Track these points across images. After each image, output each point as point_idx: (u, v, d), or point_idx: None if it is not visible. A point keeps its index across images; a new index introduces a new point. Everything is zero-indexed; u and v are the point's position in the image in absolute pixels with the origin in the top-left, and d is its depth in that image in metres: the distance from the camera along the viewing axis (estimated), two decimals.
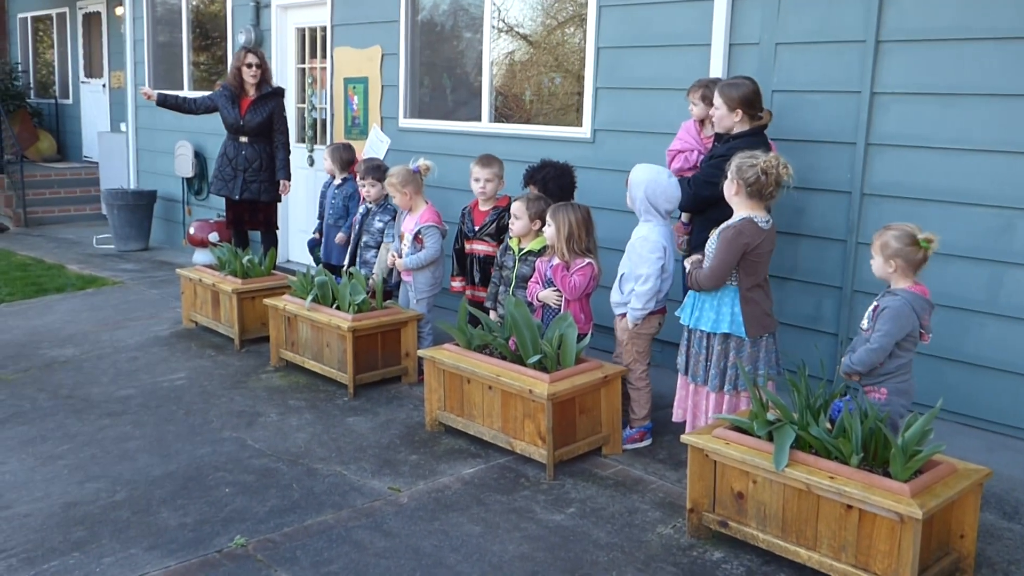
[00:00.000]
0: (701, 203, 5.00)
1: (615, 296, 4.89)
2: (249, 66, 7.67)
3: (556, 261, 5.08)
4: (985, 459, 4.20)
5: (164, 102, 7.88)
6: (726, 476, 3.85)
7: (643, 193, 4.76)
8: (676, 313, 4.65)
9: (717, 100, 4.92)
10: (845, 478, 3.48)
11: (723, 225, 4.37)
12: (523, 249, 5.41)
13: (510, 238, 5.50)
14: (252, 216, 8.01)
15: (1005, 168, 4.73)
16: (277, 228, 8.24)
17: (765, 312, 4.39)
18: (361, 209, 6.72)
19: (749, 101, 4.86)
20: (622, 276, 4.84)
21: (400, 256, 6.08)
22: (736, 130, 4.92)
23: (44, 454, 4.82)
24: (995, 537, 4.02)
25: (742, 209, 4.33)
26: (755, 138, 4.85)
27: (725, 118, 4.91)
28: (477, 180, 5.89)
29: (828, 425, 3.70)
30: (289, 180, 7.90)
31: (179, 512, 4.17)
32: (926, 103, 4.98)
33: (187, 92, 10.58)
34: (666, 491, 4.44)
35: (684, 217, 5.42)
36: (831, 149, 5.32)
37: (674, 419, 4.71)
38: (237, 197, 7.80)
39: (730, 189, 4.36)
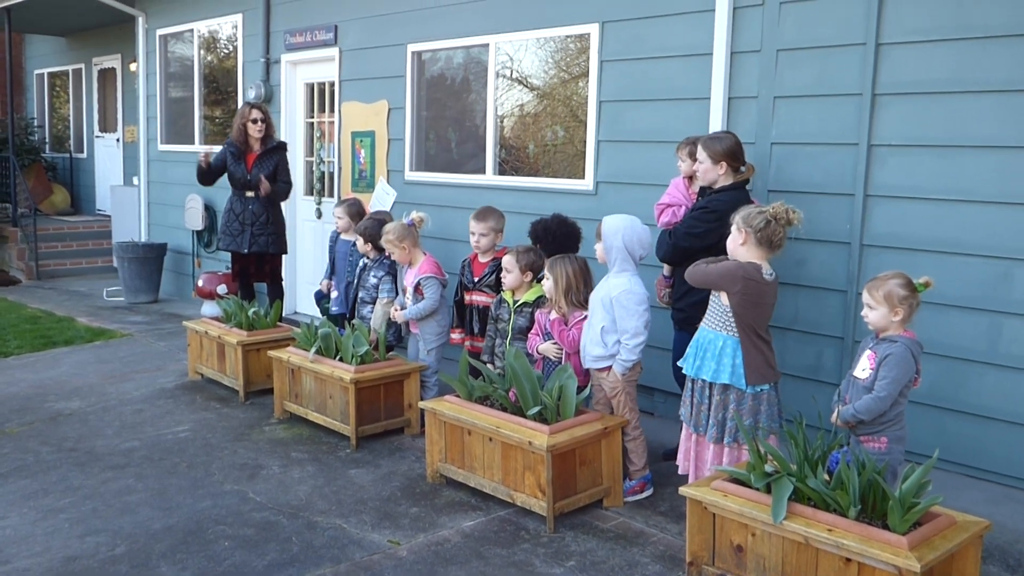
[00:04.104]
0: (681, 255, 5.04)
1: (597, 350, 4.84)
2: (254, 121, 7.79)
3: (555, 315, 5.10)
4: (987, 511, 4.17)
5: (208, 169, 7.90)
6: (725, 529, 3.83)
7: (621, 241, 4.78)
8: (679, 363, 4.66)
9: (701, 154, 5.00)
10: (843, 531, 3.46)
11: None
12: (518, 301, 5.45)
13: (503, 291, 5.54)
14: (259, 268, 8.09)
15: (1001, 218, 4.76)
16: (282, 280, 8.30)
17: (767, 363, 4.36)
18: (360, 264, 6.76)
19: (732, 153, 4.94)
20: (603, 329, 4.81)
21: (403, 309, 6.12)
22: (720, 183, 4.99)
23: (45, 508, 4.82)
24: None
25: (749, 259, 4.35)
26: (737, 192, 4.92)
27: (710, 171, 4.99)
28: (472, 234, 5.97)
29: (826, 477, 3.69)
30: (271, 187, 7.85)
31: (177, 566, 4.16)
32: (923, 155, 5.02)
33: (199, 146, 10.76)
34: (667, 544, 4.41)
35: (666, 270, 5.45)
36: (830, 200, 5.36)
37: (680, 471, 4.68)
38: (246, 251, 7.88)
39: (736, 239, 4.35)
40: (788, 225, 4.28)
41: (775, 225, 4.26)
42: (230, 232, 7.92)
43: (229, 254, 8.38)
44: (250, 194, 7.83)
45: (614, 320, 4.77)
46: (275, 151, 7.90)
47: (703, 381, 4.43)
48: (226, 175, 7.95)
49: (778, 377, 4.44)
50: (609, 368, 4.83)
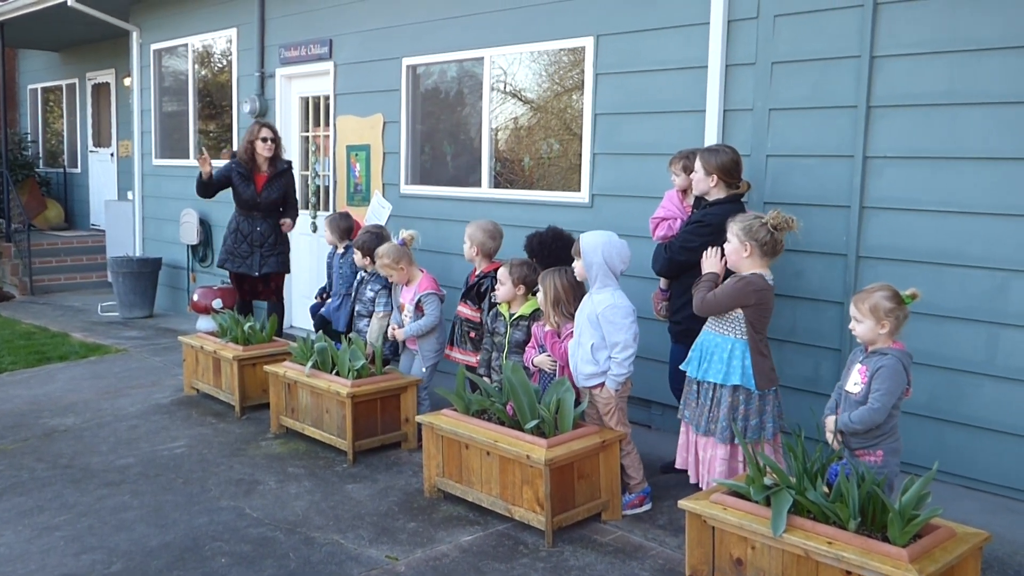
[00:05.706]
0: (677, 268, 5.08)
1: (589, 368, 4.78)
2: (264, 140, 7.72)
3: (548, 327, 5.10)
4: (985, 522, 4.16)
5: (210, 179, 7.78)
6: (725, 542, 3.82)
7: (600, 257, 4.76)
8: (682, 367, 4.67)
9: (697, 164, 5.06)
10: (843, 543, 3.45)
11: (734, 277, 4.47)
12: (514, 314, 5.44)
13: (498, 304, 5.54)
14: (264, 287, 8.06)
15: (998, 230, 4.77)
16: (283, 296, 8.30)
17: (771, 367, 4.47)
18: (358, 276, 6.75)
19: (726, 169, 4.96)
20: (592, 346, 4.77)
21: (401, 326, 6.11)
22: (712, 196, 5.02)
23: (40, 525, 4.80)
24: None
25: (751, 270, 4.39)
26: (732, 205, 4.94)
27: (701, 182, 5.04)
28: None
29: (825, 489, 3.68)
30: (293, 220, 8.05)
31: None
32: (918, 167, 5.04)
33: (194, 159, 10.75)
34: (666, 558, 4.39)
35: (663, 283, 5.46)
36: (826, 212, 5.37)
37: (676, 465, 4.71)
38: (257, 273, 7.83)
39: (740, 253, 4.39)
40: (788, 230, 4.36)
41: (778, 234, 4.34)
42: (239, 254, 7.84)
43: (224, 268, 8.36)
44: (258, 214, 7.79)
45: (603, 336, 4.76)
46: (284, 173, 7.89)
47: (710, 383, 4.48)
48: (231, 193, 7.88)
49: (778, 381, 4.52)
50: (602, 385, 4.82)
